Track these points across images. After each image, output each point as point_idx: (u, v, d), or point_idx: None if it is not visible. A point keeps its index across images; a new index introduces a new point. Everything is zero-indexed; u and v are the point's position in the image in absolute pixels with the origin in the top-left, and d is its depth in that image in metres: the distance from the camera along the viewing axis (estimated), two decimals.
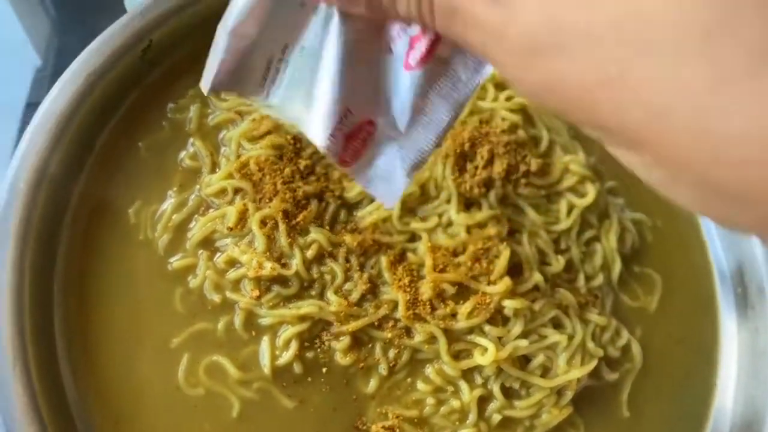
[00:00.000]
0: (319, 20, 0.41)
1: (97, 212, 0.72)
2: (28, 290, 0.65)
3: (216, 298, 0.68)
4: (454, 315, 0.66)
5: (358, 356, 0.67)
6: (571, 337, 0.69)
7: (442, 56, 0.42)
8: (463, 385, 0.67)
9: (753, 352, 0.75)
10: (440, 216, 0.71)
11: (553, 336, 0.68)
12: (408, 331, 0.67)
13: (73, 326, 0.67)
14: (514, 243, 0.70)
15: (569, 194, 0.75)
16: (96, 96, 0.74)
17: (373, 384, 0.67)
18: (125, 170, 0.75)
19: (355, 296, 0.67)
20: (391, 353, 0.67)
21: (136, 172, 0.75)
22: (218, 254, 0.70)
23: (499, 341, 0.67)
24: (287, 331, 0.67)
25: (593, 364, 0.69)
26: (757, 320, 0.75)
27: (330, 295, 0.67)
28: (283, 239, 0.68)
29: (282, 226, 0.68)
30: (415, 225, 0.70)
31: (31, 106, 0.92)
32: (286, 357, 0.66)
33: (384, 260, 0.68)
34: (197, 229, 0.71)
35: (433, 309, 0.66)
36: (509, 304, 0.67)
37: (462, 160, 0.72)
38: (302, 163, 0.71)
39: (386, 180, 0.46)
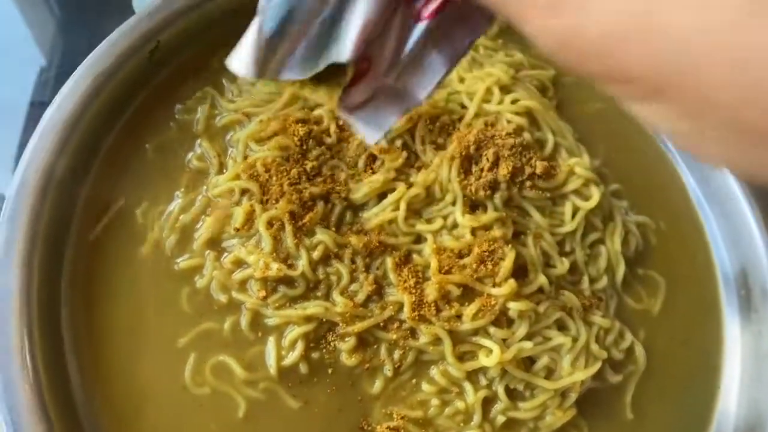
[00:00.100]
0: None
1: (104, 213, 0.73)
2: (36, 290, 0.65)
3: (222, 298, 0.69)
4: (459, 316, 0.67)
5: (363, 357, 0.67)
6: (575, 339, 0.70)
7: (449, 12, 0.43)
8: (468, 387, 0.67)
9: (756, 355, 0.75)
10: (445, 218, 0.71)
11: (558, 338, 0.69)
12: (413, 333, 0.68)
13: (80, 326, 0.68)
14: (519, 245, 0.70)
15: (574, 197, 0.75)
16: (104, 97, 0.74)
17: (378, 385, 0.68)
18: (132, 171, 0.75)
19: (360, 297, 0.68)
20: (397, 354, 0.68)
21: (144, 173, 0.75)
22: (225, 255, 0.70)
23: (504, 343, 0.67)
24: (293, 332, 0.67)
25: (597, 366, 0.69)
26: (761, 323, 0.76)
27: (336, 296, 0.68)
28: (289, 240, 0.68)
29: (288, 227, 0.68)
30: (421, 227, 0.70)
31: (35, 106, 0.92)
32: (291, 357, 0.66)
33: (389, 262, 0.69)
34: (204, 230, 0.71)
35: (438, 310, 0.67)
36: (514, 306, 0.67)
37: (467, 162, 0.72)
38: (309, 165, 0.72)
39: (373, 119, 0.47)
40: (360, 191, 0.71)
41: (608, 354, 0.71)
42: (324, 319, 0.67)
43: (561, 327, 0.70)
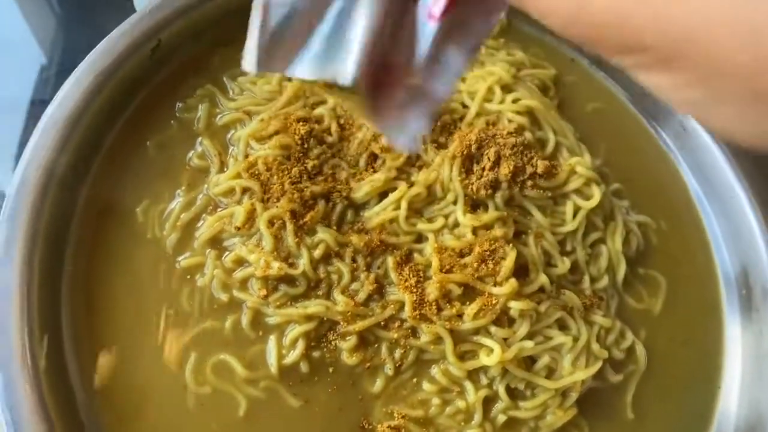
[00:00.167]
0: None
1: (105, 211, 0.73)
2: (37, 289, 0.65)
3: (223, 297, 0.69)
4: (460, 316, 0.67)
5: (364, 356, 0.67)
6: (576, 339, 0.70)
7: (459, 7, 0.43)
8: (469, 386, 0.67)
9: (757, 355, 0.75)
10: (447, 217, 0.71)
11: (559, 337, 0.69)
12: (414, 332, 0.68)
13: (80, 324, 0.68)
14: (520, 244, 0.70)
15: (575, 196, 0.75)
16: (105, 95, 0.74)
17: (379, 384, 0.68)
18: (133, 169, 0.75)
19: (361, 296, 0.68)
20: (397, 353, 0.68)
21: (144, 172, 0.75)
22: (226, 253, 0.70)
23: (505, 342, 0.67)
24: (294, 331, 0.67)
25: (598, 365, 0.69)
26: (762, 323, 0.76)
27: (337, 294, 0.68)
28: (290, 239, 0.68)
29: (289, 226, 0.68)
30: (422, 226, 0.70)
31: (36, 104, 0.92)
32: (292, 356, 0.66)
33: (390, 261, 0.69)
34: (205, 228, 0.71)
35: (439, 310, 0.67)
36: (515, 306, 0.67)
37: (469, 161, 0.72)
38: (310, 164, 0.72)
39: (403, 128, 0.47)
40: (361, 190, 0.71)
41: (609, 353, 0.72)
42: (325, 318, 0.67)
43: (562, 326, 0.70)
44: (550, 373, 0.69)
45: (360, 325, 0.67)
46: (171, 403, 0.66)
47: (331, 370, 0.67)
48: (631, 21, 0.33)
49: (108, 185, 0.74)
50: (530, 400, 0.68)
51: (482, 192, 0.70)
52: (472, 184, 0.71)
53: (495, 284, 0.68)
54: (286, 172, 0.71)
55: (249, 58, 0.44)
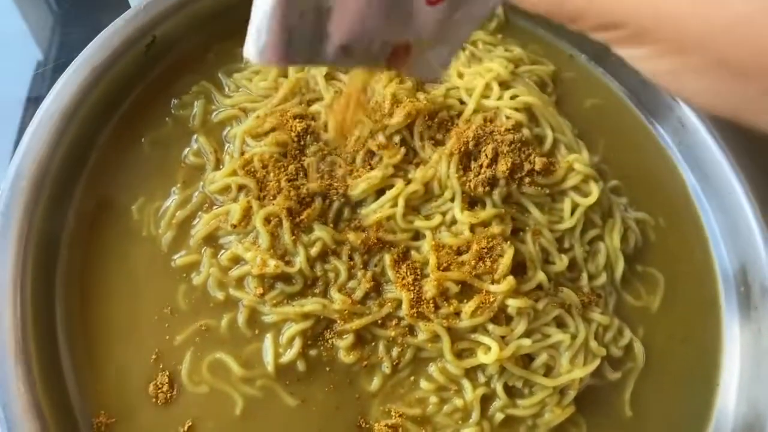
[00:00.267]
0: None
1: (100, 208, 0.73)
2: (30, 287, 0.65)
3: (219, 295, 0.68)
4: (457, 314, 0.66)
5: (361, 354, 0.67)
6: (574, 337, 0.69)
7: None
8: (466, 384, 0.67)
9: (756, 353, 0.75)
10: (444, 214, 0.71)
11: (557, 335, 0.69)
12: (411, 330, 0.67)
13: (75, 322, 0.68)
14: (517, 242, 0.70)
15: (573, 193, 0.75)
16: (99, 91, 0.74)
17: (376, 382, 0.67)
18: (128, 166, 0.75)
19: (358, 294, 0.67)
20: (395, 351, 0.67)
21: (139, 169, 0.75)
22: (222, 251, 0.70)
23: (503, 340, 0.67)
24: (291, 329, 0.67)
25: (596, 363, 0.69)
26: (760, 321, 0.75)
27: (333, 293, 0.67)
28: (287, 237, 0.67)
29: (286, 224, 0.68)
30: (419, 223, 0.70)
31: (32, 101, 0.91)
32: (289, 355, 0.66)
33: (388, 258, 0.68)
34: (201, 226, 0.71)
35: (437, 307, 0.66)
36: (513, 303, 0.67)
37: (466, 158, 0.71)
38: (306, 161, 0.71)
39: (428, 71, 0.51)
40: (358, 187, 0.70)
41: (607, 351, 0.71)
42: (322, 317, 0.67)
43: (560, 324, 0.70)
44: (548, 370, 0.69)
45: (357, 323, 0.66)
46: (167, 401, 0.65)
47: (328, 368, 0.67)
48: (606, 2, 0.38)
49: (103, 182, 0.73)
50: (528, 398, 0.68)
51: (480, 189, 0.70)
52: (470, 181, 0.70)
53: (493, 282, 0.67)
54: (282, 170, 0.70)
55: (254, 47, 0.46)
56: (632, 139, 0.88)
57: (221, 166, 0.74)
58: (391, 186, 0.71)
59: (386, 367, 0.67)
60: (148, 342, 0.67)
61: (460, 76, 0.79)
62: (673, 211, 0.84)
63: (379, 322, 0.67)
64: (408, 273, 0.67)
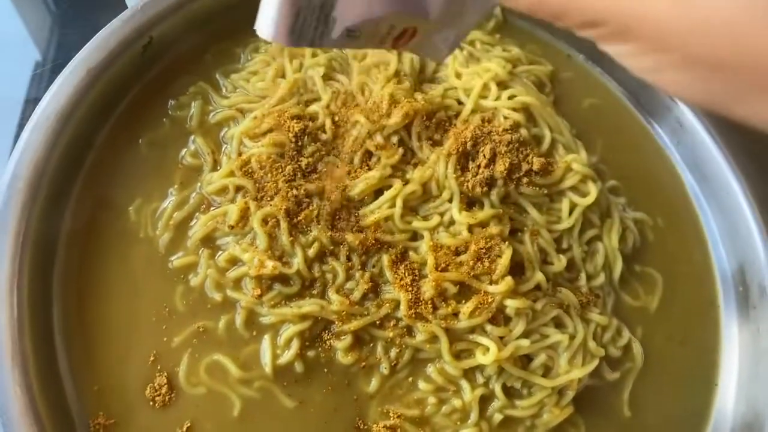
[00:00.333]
0: None
1: (97, 210, 0.72)
2: (27, 288, 0.65)
3: (217, 296, 0.68)
4: (455, 314, 0.66)
5: (359, 355, 0.67)
6: (572, 337, 0.69)
7: None
8: (465, 385, 0.67)
9: (754, 353, 0.75)
10: (442, 215, 0.70)
11: (555, 335, 0.68)
12: (409, 331, 0.67)
13: (72, 324, 0.67)
14: (516, 242, 0.70)
15: (571, 193, 0.74)
16: (96, 92, 0.73)
17: (374, 383, 0.67)
18: (125, 167, 0.74)
19: (356, 295, 0.67)
20: (393, 352, 0.67)
21: (137, 170, 0.75)
22: (219, 252, 0.70)
23: (501, 341, 0.66)
24: (288, 330, 0.66)
25: (594, 363, 0.69)
26: (759, 321, 0.75)
27: (331, 294, 0.67)
28: (284, 238, 0.67)
29: (283, 225, 0.67)
30: (417, 224, 0.70)
31: (30, 102, 0.91)
32: (287, 356, 0.66)
33: (386, 259, 0.68)
34: (198, 227, 0.70)
35: (435, 308, 0.66)
36: (511, 304, 0.66)
37: (464, 158, 0.71)
38: (304, 161, 0.71)
39: (432, 52, 0.53)
40: (356, 188, 0.70)
41: (606, 351, 0.71)
42: (319, 318, 0.67)
43: (558, 324, 0.70)
44: (547, 371, 0.69)
45: (355, 324, 0.66)
46: (164, 403, 0.65)
47: (326, 369, 0.67)
48: (590, 3, 0.41)
49: (100, 183, 0.73)
50: (527, 399, 0.68)
51: (478, 189, 0.70)
52: (468, 181, 0.70)
53: (491, 282, 0.67)
54: (279, 170, 0.70)
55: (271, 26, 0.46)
56: (630, 139, 0.88)
57: (219, 167, 0.74)
58: (389, 186, 0.70)
59: (384, 368, 0.67)
60: (146, 343, 0.67)
61: (458, 76, 0.79)
62: (672, 211, 0.84)
63: (378, 323, 0.67)
64: (406, 274, 0.67)
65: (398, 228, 0.70)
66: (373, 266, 0.69)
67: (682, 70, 0.40)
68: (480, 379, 0.68)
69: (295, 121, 0.73)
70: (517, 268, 0.69)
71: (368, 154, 0.72)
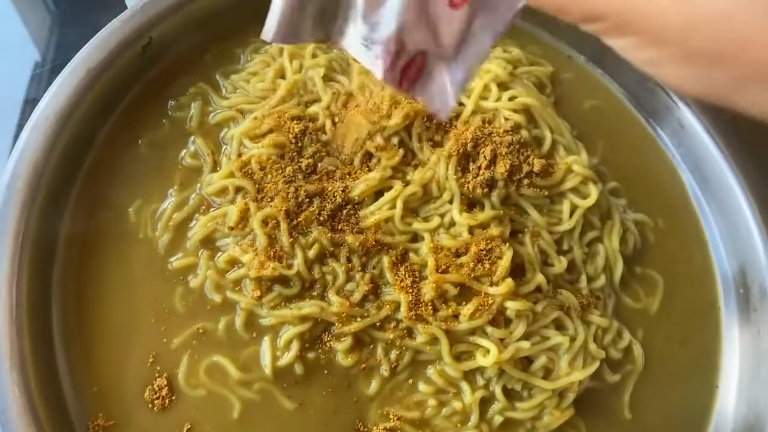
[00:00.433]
0: None
1: (96, 210, 0.72)
2: (26, 290, 0.64)
3: (216, 298, 0.68)
4: (456, 316, 0.66)
5: (359, 357, 0.67)
6: (573, 339, 0.69)
7: None
8: (465, 387, 0.67)
9: (755, 355, 0.74)
10: (442, 216, 0.70)
11: (556, 337, 0.68)
12: (410, 332, 0.67)
13: (71, 325, 0.67)
14: (516, 244, 0.70)
15: (572, 195, 0.74)
16: (95, 93, 0.73)
17: (374, 385, 0.67)
18: (125, 168, 0.74)
19: (356, 297, 0.67)
20: (393, 354, 0.67)
21: (136, 170, 0.74)
22: (219, 254, 0.69)
23: (501, 343, 0.66)
24: (288, 332, 0.66)
25: (595, 365, 0.69)
26: (760, 323, 0.75)
27: (331, 295, 0.67)
28: (284, 239, 0.67)
29: (284, 226, 0.67)
30: (418, 225, 0.70)
31: (30, 103, 0.91)
32: (287, 358, 0.66)
33: (386, 260, 0.68)
34: (198, 228, 0.70)
35: (435, 310, 0.66)
36: (511, 306, 0.66)
37: (465, 160, 0.71)
38: (304, 162, 0.71)
39: (439, 96, 0.51)
40: (356, 189, 0.70)
41: (606, 353, 0.71)
42: (320, 319, 0.66)
43: (559, 326, 0.70)
44: (547, 373, 0.68)
45: (355, 326, 0.66)
46: (164, 405, 0.65)
47: (326, 371, 0.67)
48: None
49: (99, 184, 0.73)
50: (527, 401, 0.68)
51: (478, 191, 0.70)
52: (468, 182, 0.70)
53: (491, 284, 0.67)
54: (280, 171, 0.70)
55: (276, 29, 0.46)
56: (631, 141, 0.88)
57: (218, 168, 0.73)
58: (390, 188, 0.70)
59: (384, 370, 0.67)
60: (145, 345, 0.67)
61: None
62: (673, 213, 0.84)
63: (378, 324, 0.67)
64: (406, 275, 0.67)
65: (398, 229, 0.69)
66: (374, 268, 0.69)
67: (683, 63, 0.42)
68: (480, 381, 0.68)
69: (295, 122, 0.72)
70: (517, 270, 0.69)
71: (369, 155, 0.72)
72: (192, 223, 0.71)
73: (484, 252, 0.68)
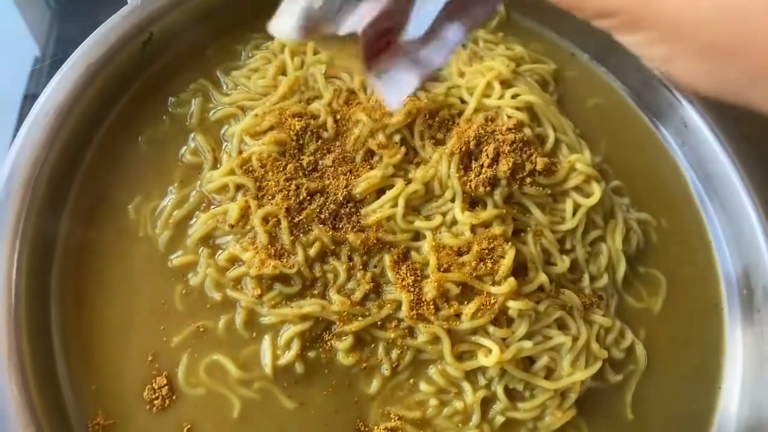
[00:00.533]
0: None
1: (96, 207, 0.72)
2: (25, 287, 0.64)
3: (217, 296, 0.68)
4: (458, 315, 0.66)
5: (360, 356, 0.66)
6: (575, 339, 0.69)
7: None
8: (467, 387, 0.66)
9: (759, 356, 0.74)
10: (444, 215, 0.70)
11: (558, 337, 0.68)
12: (411, 332, 0.67)
13: (70, 323, 0.67)
14: (519, 243, 0.69)
15: (575, 194, 0.74)
16: (95, 89, 0.73)
17: (375, 385, 0.67)
18: (125, 165, 0.74)
19: (357, 295, 0.66)
20: (394, 354, 0.67)
21: (136, 167, 0.74)
22: (219, 252, 0.69)
23: (503, 342, 0.66)
24: (289, 331, 0.66)
25: (597, 365, 0.69)
26: (763, 324, 0.75)
27: (332, 294, 0.67)
28: (285, 237, 0.67)
29: (284, 224, 0.67)
30: (419, 224, 0.69)
31: (30, 98, 0.91)
32: (287, 357, 0.65)
33: (387, 259, 0.67)
34: (198, 226, 0.70)
35: (437, 309, 0.66)
36: (514, 305, 0.66)
37: (467, 158, 0.71)
38: (305, 160, 0.70)
39: (394, 85, 0.51)
40: (358, 187, 0.69)
41: (609, 353, 0.71)
42: (320, 318, 0.66)
43: (561, 326, 0.69)
44: (549, 373, 0.68)
45: (356, 325, 0.65)
46: (163, 404, 0.64)
47: (326, 370, 0.66)
48: None
49: (99, 180, 0.73)
50: (529, 401, 0.67)
51: (481, 189, 0.69)
52: (471, 181, 0.69)
53: (493, 283, 0.66)
54: (280, 169, 0.70)
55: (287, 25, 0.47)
56: (634, 140, 0.87)
57: (219, 165, 0.73)
58: (391, 186, 0.70)
59: (386, 370, 0.67)
60: (145, 343, 0.66)
61: (461, 74, 0.78)
62: (676, 213, 0.83)
63: (379, 323, 0.66)
64: (408, 274, 0.67)
65: (400, 228, 0.69)
66: (375, 266, 0.68)
67: (696, 59, 0.41)
68: (482, 381, 0.67)
69: (296, 119, 0.72)
70: (519, 269, 0.69)
71: (370, 153, 0.72)
72: (192, 220, 0.71)
73: (487, 251, 0.67)
